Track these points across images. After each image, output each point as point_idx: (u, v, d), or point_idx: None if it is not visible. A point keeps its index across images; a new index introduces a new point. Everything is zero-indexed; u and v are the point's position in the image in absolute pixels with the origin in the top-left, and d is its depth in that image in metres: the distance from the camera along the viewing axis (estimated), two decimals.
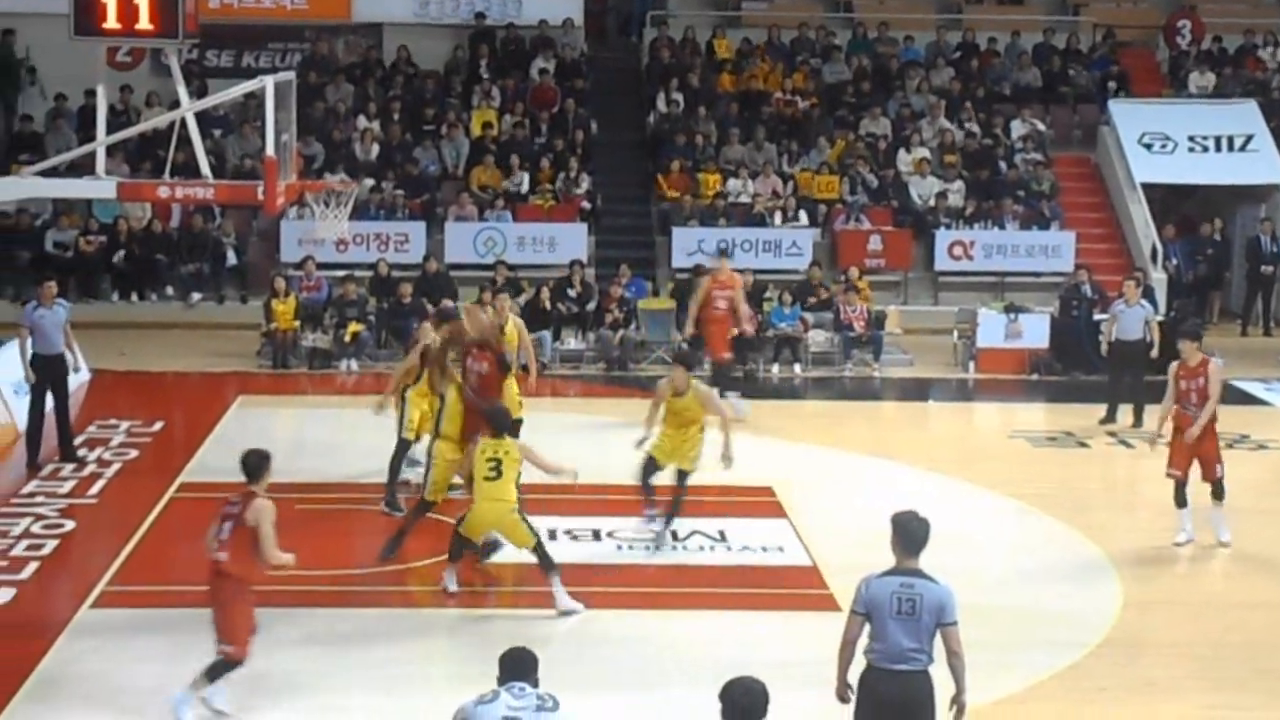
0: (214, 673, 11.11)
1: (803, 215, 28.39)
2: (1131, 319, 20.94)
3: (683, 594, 14.26)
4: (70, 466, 17.74)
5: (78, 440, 18.54)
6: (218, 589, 11.14)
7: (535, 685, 8.04)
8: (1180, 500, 15.56)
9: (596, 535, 15.53)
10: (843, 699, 9.26)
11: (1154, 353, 20.61)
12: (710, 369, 20.80)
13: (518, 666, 8.07)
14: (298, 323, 23.93)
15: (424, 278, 25.11)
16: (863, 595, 9.19)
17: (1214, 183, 29.37)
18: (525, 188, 28.77)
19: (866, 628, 9.15)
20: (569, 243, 27.19)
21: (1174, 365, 15.63)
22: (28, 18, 28.60)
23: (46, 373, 17.72)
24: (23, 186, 16.90)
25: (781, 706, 8.08)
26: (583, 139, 29.77)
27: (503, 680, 8.03)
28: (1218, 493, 15.53)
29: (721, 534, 15.89)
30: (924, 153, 29.66)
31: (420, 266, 25.83)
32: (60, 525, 15.81)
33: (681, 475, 15.28)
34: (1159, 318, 24.43)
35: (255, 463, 11.31)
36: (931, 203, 28.85)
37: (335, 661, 12.47)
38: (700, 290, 21.44)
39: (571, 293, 25.10)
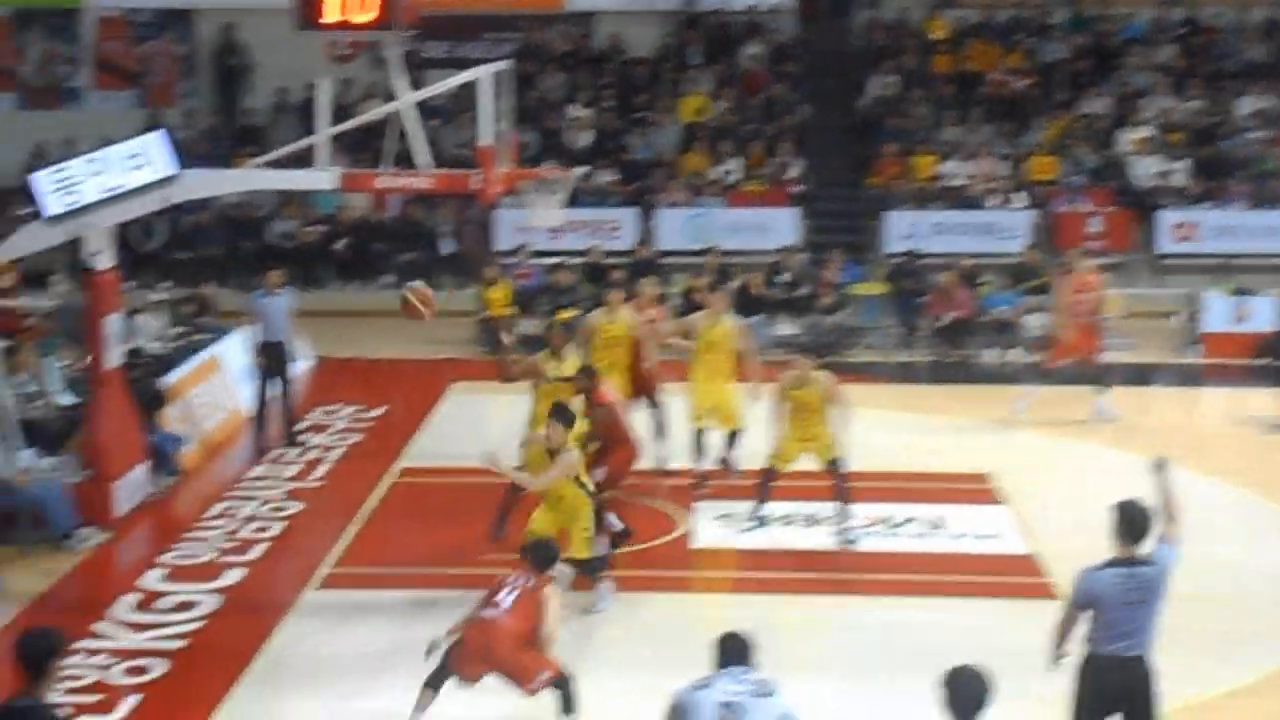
0: (567, 706, 10.75)
1: (1019, 197, 27.89)
2: None
3: (899, 581, 14.12)
4: (295, 451, 18.18)
5: (302, 425, 18.99)
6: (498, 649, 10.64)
7: (753, 670, 7.99)
8: None
9: (812, 521, 15.42)
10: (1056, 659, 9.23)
11: None
12: (1078, 371, 20.08)
13: (735, 651, 8.02)
14: (511, 310, 24.17)
15: (636, 264, 25.20)
16: (1082, 588, 9.01)
17: None
18: (736, 173, 28.72)
19: (1086, 617, 8.91)
20: (780, 228, 27.08)
21: None
22: (250, 12, 29.40)
23: (270, 359, 18.17)
24: (249, 178, 17.36)
25: (1001, 696, 7.96)
26: (794, 123, 29.63)
27: (720, 665, 7.99)
28: None
29: (939, 521, 15.69)
30: (1146, 132, 28.92)
31: (632, 253, 25.93)
32: (285, 508, 16.20)
33: (832, 464, 15.00)
34: None
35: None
36: (1154, 183, 28.13)
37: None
38: (1064, 291, 20.47)
39: (783, 278, 24.99)
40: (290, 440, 18.25)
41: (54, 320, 18.99)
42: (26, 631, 7.74)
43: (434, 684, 10.69)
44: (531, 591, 10.61)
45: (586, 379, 14.12)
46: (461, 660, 10.64)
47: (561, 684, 10.56)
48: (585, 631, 12.82)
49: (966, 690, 7.34)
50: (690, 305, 19.31)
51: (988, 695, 7.33)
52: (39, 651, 7.48)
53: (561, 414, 12.76)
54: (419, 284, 15.40)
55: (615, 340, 16.60)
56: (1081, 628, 9.14)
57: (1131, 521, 8.69)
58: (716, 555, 14.97)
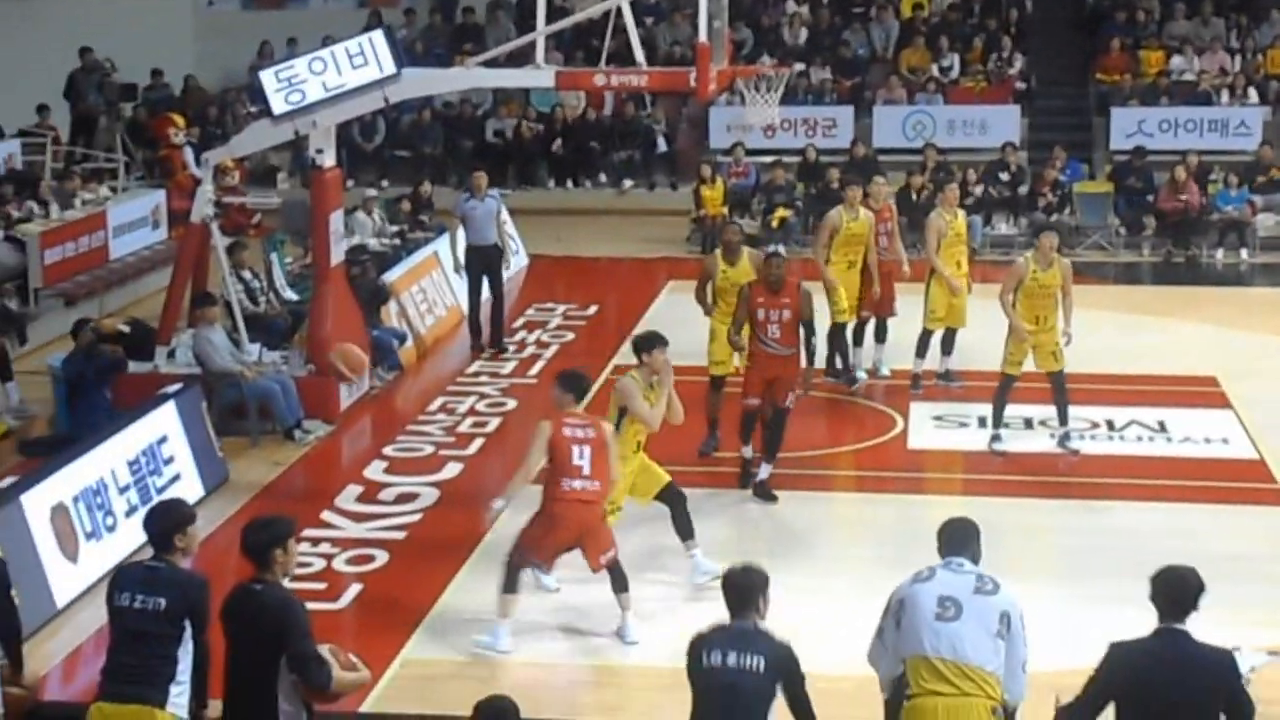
0: (619, 584, 10.89)
1: (1253, 93, 26.90)
2: None
3: (1121, 485, 13.84)
4: (513, 348, 18.39)
5: (517, 323, 19.20)
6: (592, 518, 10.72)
7: (976, 560, 7.83)
8: None
9: (1029, 424, 15.17)
10: None
11: None
12: None
13: (956, 539, 7.88)
14: (726, 208, 24.08)
15: (852, 162, 24.90)
16: None
17: None
18: (956, 70, 28.16)
19: None
20: (1001, 125, 26.50)
21: None
22: None
23: (479, 262, 18.27)
24: (467, 77, 17.47)
25: (1224, 600, 7.76)
26: (1016, 18, 28.91)
27: (943, 553, 7.85)
28: None
29: (1161, 424, 15.34)
30: None
31: (848, 151, 25.62)
32: (503, 404, 16.41)
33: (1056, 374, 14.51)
34: None
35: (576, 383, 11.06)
36: None
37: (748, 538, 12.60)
38: None
39: (1003, 176, 24.48)
40: (499, 348, 18.35)
41: (279, 217, 19.40)
42: (251, 521, 7.98)
43: (512, 586, 10.71)
44: (596, 441, 10.63)
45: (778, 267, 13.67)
46: (546, 541, 10.63)
47: (617, 560, 10.75)
48: (801, 531, 12.82)
49: (1177, 589, 7.15)
50: (907, 204, 18.98)
51: (1197, 596, 7.13)
52: (261, 540, 7.71)
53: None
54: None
55: (856, 238, 16.35)
56: None
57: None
58: (933, 456, 14.83)
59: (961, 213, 16.76)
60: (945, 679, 7.52)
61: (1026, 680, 7.69)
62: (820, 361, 14.49)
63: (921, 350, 16.48)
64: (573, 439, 10.63)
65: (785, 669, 7.43)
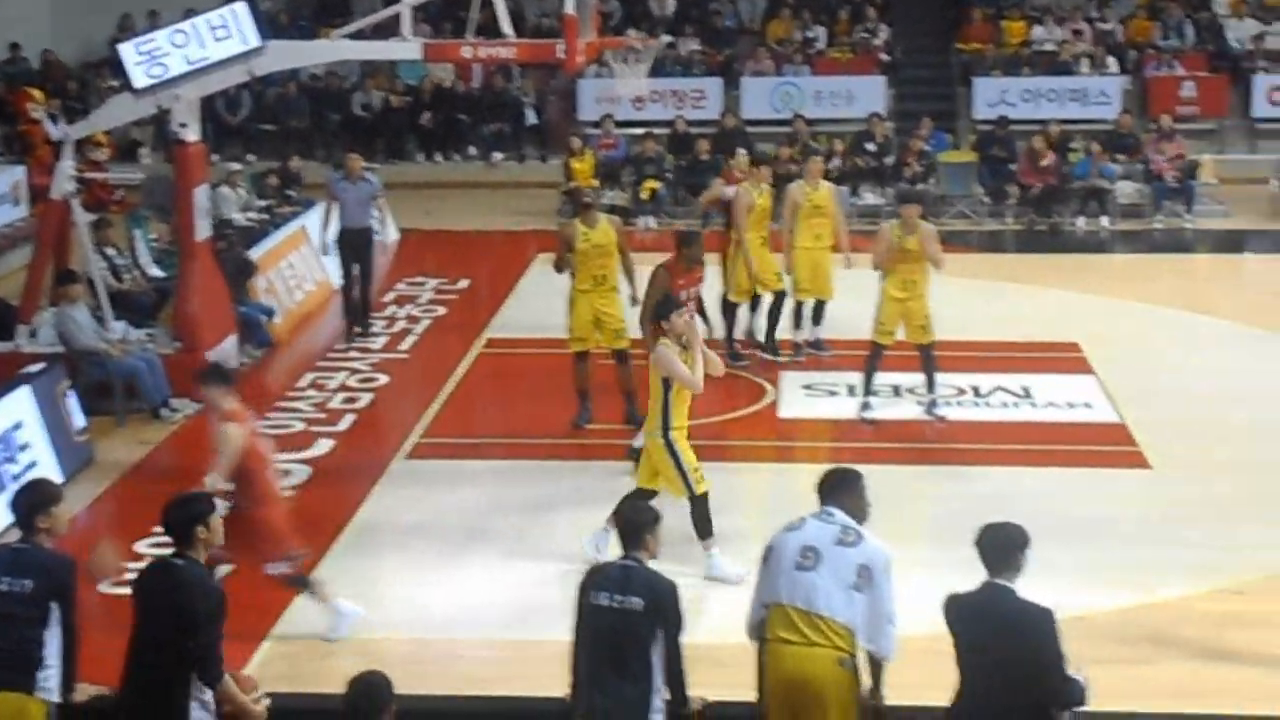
0: None
1: (1111, 62, 27.38)
2: None
3: (987, 450, 14.07)
4: (383, 323, 18.27)
5: (388, 298, 19.08)
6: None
7: (859, 511, 7.93)
8: None
9: (896, 391, 15.37)
10: None
11: None
12: None
13: (832, 487, 7.97)
14: (596, 180, 24.10)
15: (721, 134, 25.02)
16: None
17: None
18: (823, 41, 28.36)
19: None
20: (867, 96, 26.75)
21: None
22: None
23: (348, 245, 17.95)
24: (334, 49, 17.29)
25: (1085, 562, 7.94)
26: None
27: (821, 502, 7.95)
28: None
29: (1026, 390, 15.60)
30: None
31: (717, 123, 25.74)
32: (374, 379, 16.34)
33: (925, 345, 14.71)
34: None
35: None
36: (1250, 46, 27.52)
37: None
38: None
39: (870, 147, 24.73)
40: (364, 330, 18.04)
41: (142, 193, 19.11)
42: (172, 498, 7.90)
43: (306, 586, 10.53)
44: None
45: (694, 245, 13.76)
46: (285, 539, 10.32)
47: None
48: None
49: (1000, 545, 7.34)
50: (777, 176, 19.11)
51: (1021, 551, 7.31)
52: (182, 517, 7.68)
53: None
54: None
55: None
56: None
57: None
58: (803, 425, 14.98)
59: (826, 185, 16.85)
60: (796, 627, 7.61)
61: (895, 635, 7.76)
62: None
63: (796, 321, 16.65)
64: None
65: (662, 611, 7.51)
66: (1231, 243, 23.02)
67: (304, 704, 8.55)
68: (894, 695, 7.92)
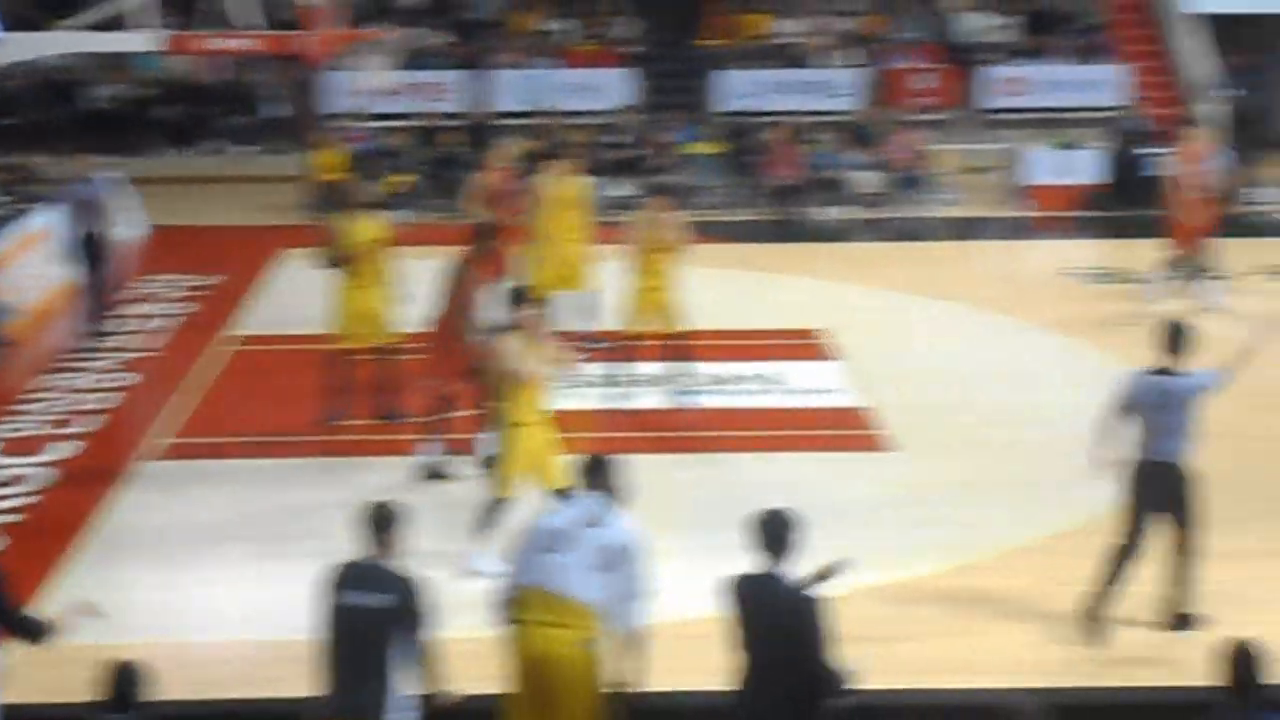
0: None
1: (850, 55, 28.05)
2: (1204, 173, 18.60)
3: (737, 437, 14.33)
4: (132, 321, 17.88)
5: (136, 294, 18.69)
6: None
7: (614, 494, 8.01)
8: None
9: (648, 381, 15.54)
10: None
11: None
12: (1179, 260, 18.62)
13: (588, 471, 8.08)
14: (344, 174, 23.85)
15: (472, 127, 25.01)
16: (1121, 392, 10.09)
17: (1265, 11, 28.83)
18: (572, 33, 28.50)
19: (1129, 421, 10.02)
20: (615, 88, 26.99)
21: None
22: None
23: (87, 244, 17.37)
24: (69, 42, 16.87)
25: (836, 546, 8.17)
26: None
27: (578, 487, 8.06)
28: None
29: (774, 377, 15.93)
30: None
31: (468, 116, 25.70)
32: (120, 379, 15.98)
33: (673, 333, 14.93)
34: None
35: None
36: (981, 39, 28.45)
37: None
38: (1176, 167, 18.86)
39: (618, 139, 24.94)
40: (102, 331, 17.50)
41: None
42: None
43: None
44: None
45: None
46: None
47: None
48: (426, 494, 12.91)
49: (768, 530, 7.47)
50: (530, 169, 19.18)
51: (789, 536, 7.47)
52: None
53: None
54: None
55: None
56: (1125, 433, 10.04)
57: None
58: (560, 416, 15.02)
59: (578, 178, 16.99)
60: (540, 609, 7.74)
61: (644, 616, 7.88)
62: None
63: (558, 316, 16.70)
64: None
65: (410, 607, 7.53)
66: (965, 230, 23.79)
67: (39, 714, 8.37)
68: (654, 680, 8.07)
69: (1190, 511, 10.10)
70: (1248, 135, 26.44)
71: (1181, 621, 10.22)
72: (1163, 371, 10.01)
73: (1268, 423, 14.32)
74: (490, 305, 12.64)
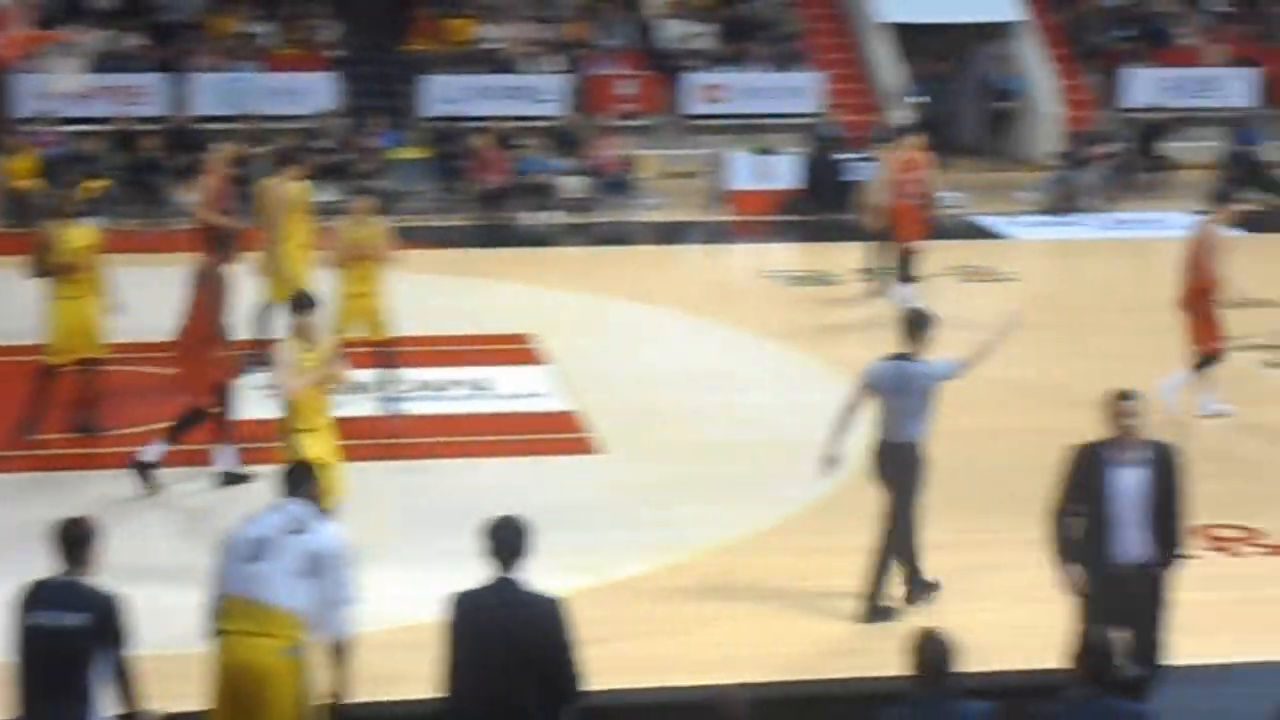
0: None
1: (554, 61, 28.24)
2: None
3: (448, 443, 14.33)
4: None
5: None
6: None
7: (309, 500, 7.97)
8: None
9: (357, 389, 15.40)
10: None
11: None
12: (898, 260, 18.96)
13: (290, 479, 8.02)
14: (35, 180, 23.12)
15: (172, 131, 24.46)
16: (862, 377, 10.66)
17: (953, 21, 29.97)
18: (272, 37, 28.08)
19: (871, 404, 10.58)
20: (318, 92, 26.67)
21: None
22: None
23: None
24: None
25: (547, 549, 8.23)
26: None
27: (281, 495, 7.97)
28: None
29: (483, 383, 15.98)
30: None
31: (166, 120, 25.12)
32: None
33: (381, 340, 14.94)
34: None
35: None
36: (681, 46, 28.93)
37: None
38: (886, 173, 19.23)
39: (322, 143, 24.68)
40: None
41: None
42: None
43: None
44: None
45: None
46: None
47: None
48: (119, 508, 12.61)
49: (500, 538, 7.45)
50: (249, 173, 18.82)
51: (520, 542, 7.47)
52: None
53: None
54: None
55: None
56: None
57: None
58: (262, 426, 14.82)
59: (299, 183, 16.83)
60: (242, 618, 7.66)
61: (350, 621, 7.83)
62: None
63: (268, 323, 16.44)
64: None
65: (107, 626, 7.38)
66: (669, 234, 24.19)
67: None
68: (366, 689, 8.05)
69: (909, 495, 10.62)
70: (935, 141, 27.46)
71: (880, 613, 10.63)
72: (902, 357, 10.53)
73: (1055, 418, 14.94)
74: (235, 311, 12.54)
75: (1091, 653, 7.00)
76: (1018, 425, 14.74)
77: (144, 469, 12.85)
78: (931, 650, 6.87)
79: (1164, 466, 8.94)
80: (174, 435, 12.98)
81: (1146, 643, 8.91)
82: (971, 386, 11.52)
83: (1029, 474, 11.30)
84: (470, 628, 7.35)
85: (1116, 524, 8.87)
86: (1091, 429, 9.16)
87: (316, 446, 10.91)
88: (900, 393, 10.49)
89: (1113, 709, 6.97)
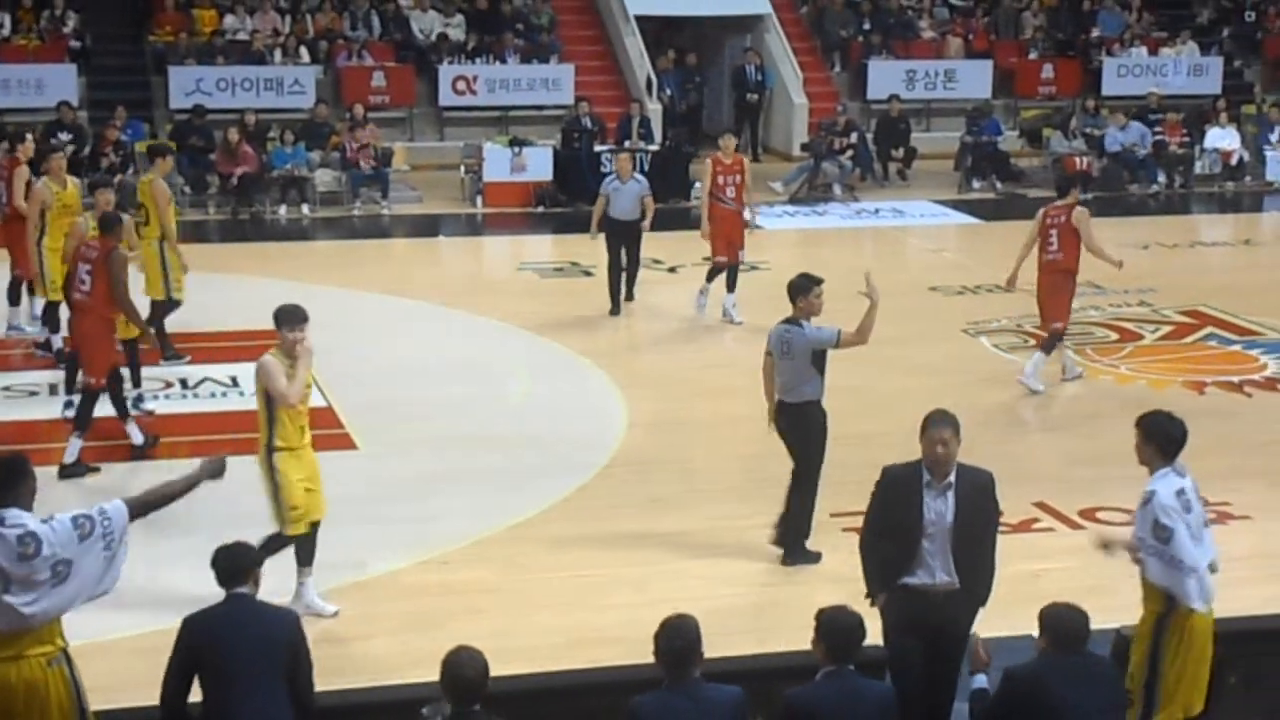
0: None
1: (304, 52, 27.92)
2: (626, 196, 18.51)
3: (200, 442, 14.09)
4: None
5: None
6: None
7: (26, 505, 7.47)
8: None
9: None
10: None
11: (646, 225, 18.65)
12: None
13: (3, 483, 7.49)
14: None
15: None
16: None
17: (703, 14, 30.38)
18: (7, 28, 27.25)
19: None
20: (57, 84, 25.96)
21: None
22: None
23: None
24: None
25: (321, 543, 8.20)
26: None
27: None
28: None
29: (234, 379, 15.76)
30: None
31: None
32: None
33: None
34: (654, 148, 25.42)
35: None
36: (434, 38, 28.82)
37: None
38: (705, 178, 18.83)
39: (64, 136, 24.04)
40: None
41: None
42: None
43: None
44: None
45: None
46: None
47: None
48: None
49: (225, 561, 7.45)
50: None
51: (251, 561, 7.47)
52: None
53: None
54: None
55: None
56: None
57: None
58: (5, 429, 14.47)
59: (73, 180, 16.52)
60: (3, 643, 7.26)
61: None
62: None
63: (53, 324, 16.06)
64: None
65: None
66: (425, 227, 24.11)
67: None
68: (120, 694, 7.92)
69: (808, 451, 11.39)
70: (686, 131, 27.84)
71: (799, 554, 11.43)
72: (789, 321, 11.33)
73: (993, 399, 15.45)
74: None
75: (837, 632, 7.19)
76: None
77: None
78: (675, 636, 6.96)
79: (975, 494, 8.37)
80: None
81: (950, 669, 8.40)
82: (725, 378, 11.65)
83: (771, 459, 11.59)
84: (207, 646, 7.25)
85: (926, 551, 8.30)
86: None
87: (298, 468, 10.56)
88: (785, 355, 11.28)
89: (859, 688, 7.18)
